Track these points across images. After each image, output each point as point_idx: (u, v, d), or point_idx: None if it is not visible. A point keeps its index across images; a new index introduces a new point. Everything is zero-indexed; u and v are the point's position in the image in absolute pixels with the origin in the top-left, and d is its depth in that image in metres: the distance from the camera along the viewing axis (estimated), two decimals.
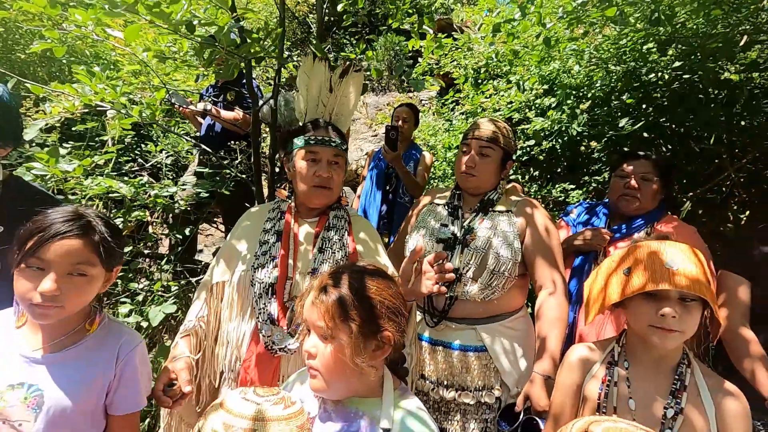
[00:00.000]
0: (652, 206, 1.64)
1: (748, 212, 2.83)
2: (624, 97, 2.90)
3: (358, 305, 0.84)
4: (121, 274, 2.30)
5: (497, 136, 1.51)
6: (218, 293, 1.26)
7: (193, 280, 2.42)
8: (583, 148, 3.01)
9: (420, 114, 5.40)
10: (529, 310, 1.57)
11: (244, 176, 2.47)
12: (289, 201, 1.35)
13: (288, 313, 1.15)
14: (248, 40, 1.19)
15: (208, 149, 2.33)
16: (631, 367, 0.97)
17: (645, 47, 2.70)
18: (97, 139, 3.09)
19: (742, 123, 2.56)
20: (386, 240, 2.76)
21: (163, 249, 3.29)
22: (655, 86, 2.83)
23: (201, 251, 3.23)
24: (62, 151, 2.20)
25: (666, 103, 2.72)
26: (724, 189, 2.74)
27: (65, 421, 0.91)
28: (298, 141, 1.32)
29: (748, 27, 2.21)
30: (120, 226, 2.37)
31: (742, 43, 2.19)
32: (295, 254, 1.23)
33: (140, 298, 2.13)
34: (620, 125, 2.81)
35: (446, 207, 1.54)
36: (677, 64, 2.54)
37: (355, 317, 0.83)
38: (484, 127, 1.52)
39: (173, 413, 1.24)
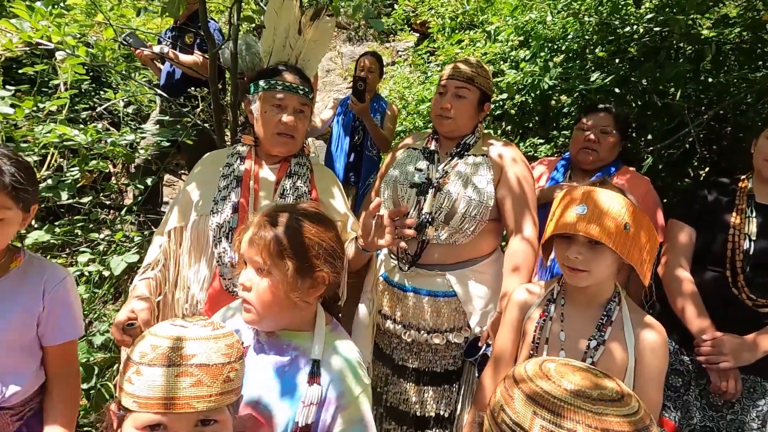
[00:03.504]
0: (610, 158, 1.68)
1: (707, 168, 2.94)
2: (597, 51, 2.88)
3: (296, 244, 0.86)
4: (81, 224, 2.25)
5: (474, 76, 1.47)
6: (176, 238, 1.26)
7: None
8: (553, 102, 3.01)
9: (396, 65, 5.24)
10: None
11: (206, 125, 2.38)
12: (251, 146, 1.32)
13: None
14: None
15: (167, 96, 2.22)
16: (566, 304, 1.03)
17: None
18: (50, 84, 2.90)
19: (709, 80, 2.60)
20: (353, 192, 2.76)
21: (129, 201, 3.21)
22: (629, 40, 2.81)
23: (166, 203, 3.16)
24: (4, 93, 2.07)
25: (637, 56, 2.72)
26: (686, 145, 2.82)
27: None
28: (263, 83, 1.27)
29: None
30: (78, 176, 2.28)
31: None
32: (255, 201, 1.23)
33: (101, 248, 2.10)
34: (591, 79, 2.81)
35: (422, 151, 1.53)
36: (650, 16, 2.51)
37: (291, 255, 0.85)
38: (461, 67, 1.49)
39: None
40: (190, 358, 0.66)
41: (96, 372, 1.93)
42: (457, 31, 3.96)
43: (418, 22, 4.94)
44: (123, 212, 2.31)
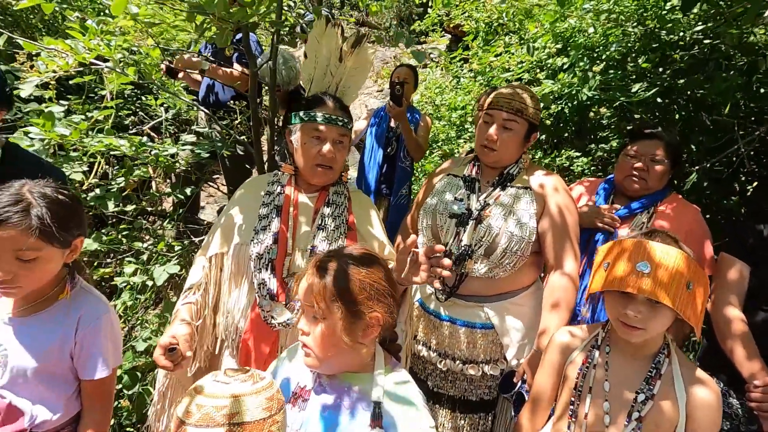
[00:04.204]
0: (659, 187, 1.60)
1: (755, 183, 2.79)
2: (640, 61, 2.77)
3: (348, 288, 0.87)
4: (125, 232, 2.35)
5: (523, 108, 1.43)
6: (217, 264, 1.29)
7: (196, 240, 2.47)
8: (592, 114, 2.92)
9: (427, 68, 5.20)
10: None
11: (243, 137, 2.44)
12: (290, 174, 1.35)
13: (287, 288, 1.19)
14: (241, 5, 1.13)
15: (207, 111, 2.29)
16: (612, 352, 1.01)
17: (669, 3, 2.54)
18: (96, 91, 3.03)
19: (762, 90, 2.46)
20: (386, 203, 2.76)
21: (167, 204, 3.33)
22: (674, 46, 2.68)
23: (203, 208, 3.26)
24: (59, 109, 2.17)
25: (683, 66, 2.59)
26: (734, 159, 2.68)
27: (29, 381, 0.99)
28: (303, 114, 1.29)
29: None
30: (122, 184, 2.38)
31: None
32: (294, 230, 1.25)
33: (145, 257, 2.19)
34: (633, 90, 2.71)
35: (463, 179, 1.51)
36: (699, 27, 2.39)
37: (342, 300, 0.87)
38: (510, 98, 1.44)
39: (170, 375, 1.31)
40: (233, 417, 0.69)
41: (139, 377, 2.02)
42: (491, 37, 3.89)
43: (451, 25, 4.88)
44: (166, 223, 2.40)
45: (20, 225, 0.91)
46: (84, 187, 2.32)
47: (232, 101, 2.42)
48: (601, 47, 3.11)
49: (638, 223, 1.60)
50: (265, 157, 2.22)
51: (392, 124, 2.73)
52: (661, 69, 2.78)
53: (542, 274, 1.55)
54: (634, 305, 0.91)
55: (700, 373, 0.95)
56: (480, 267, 1.38)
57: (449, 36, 5.95)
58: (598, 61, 3.09)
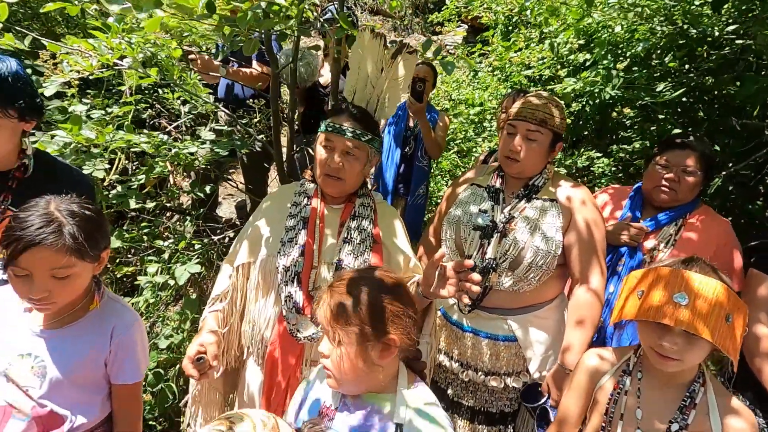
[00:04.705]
0: (689, 199, 1.56)
1: None
2: (666, 59, 2.68)
3: (362, 313, 0.88)
4: (146, 230, 2.38)
5: (547, 118, 1.41)
6: (244, 273, 1.30)
7: (215, 238, 2.49)
8: (615, 113, 2.85)
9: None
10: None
11: (262, 136, 2.44)
12: (316, 185, 1.34)
13: (312, 302, 1.19)
14: (271, 16, 1.12)
15: (226, 111, 2.28)
16: (644, 378, 1.00)
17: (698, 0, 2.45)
18: (114, 84, 3.04)
19: None
20: (403, 203, 2.75)
21: (184, 198, 3.35)
22: (702, 43, 2.59)
23: (220, 204, 3.28)
24: (82, 108, 2.19)
25: (711, 65, 2.51)
26: (761, 163, 2.61)
27: (65, 388, 1.02)
28: (322, 124, 1.29)
29: None
30: (143, 181, 2.40)
31: None
32: (320, 243, 1.25)
33: (166, 255, 2.22)
34: (658, 90, 2.64)
35: (487, 190, 1.49)
36: (731, 28, 2.31)
37: (357, 323, 0.87)
38: (534, 108, 1.41)
39: (202, 380, 1.34)
40: None
41: (162, 375, 2.07)
42: (512, 33, 3.80)
43: (469, 17, 4.78)
44: (187, 223, 2.42)
45: (55, 245, 0.92)
46: (105, 184, 2.35)
47: (251, 100, 2.41)
48: (625, 44, 3.03)
49: (665, 236, 1.58)
50: (284, 157, 2.22)
51: (410, 123, 2.70)
52: (687, 67, 2.70)
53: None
54: (671, 336, 0.90)
55: (735, 402, 0.94)
56: (504, 280, 1.37)
57: (466, 27, 5.83)
58: (621, 58, 3.01)
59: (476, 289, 1.07)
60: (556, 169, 1.55)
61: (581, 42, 3.24)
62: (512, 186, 1.49)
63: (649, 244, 1.59)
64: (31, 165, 1.23)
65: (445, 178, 3.57)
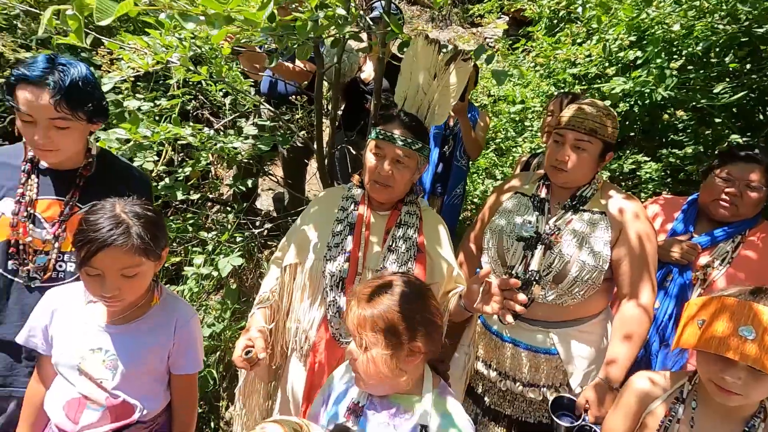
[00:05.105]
0: (750, 215, 1.47)
1: None
2: (727, 59, 2.53)
3: (388, 320, 0.90)
4: (191, 221, 2.47)
5: (597, 127, 1.36)
6: (291, 273, 1.34)
7: (256, 231, 2.56)
8: (666, 116, 2.71)
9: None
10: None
11: (303, 132, 2.47)
12: (363, 191, 1.35)
13: None
14: (325, 22, 1.13)
15: (269, 108, 2.33)
16: (699, 408, 0.97)
17: None
18: (161, 76, 3.14)
19: None
20: (439, 203, 2.74)
21: (224, 189, 3.45)
22: (766, 42, 2.42)
23: (259, 196, 3.36)
24: (136, 103, 2.28)
25: None
26: None
27: (135, 379, 1.09)
28: (373, 131, 1.29)
29: None
30: (188, 173, 2.48)
31: None
32: (365, 249, 1.26)
33: (210, 247, 2.30)
34: (715, 91, 2.49)
35: (532, 199, 1.46)
36: None
37: (383, 331, 0.90)
38: (583, 117, 1.36)
39: (248, 373, 1.39)
40: None
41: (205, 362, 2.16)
42: (556, 25, 3.67)
43: (512, 10, 4.64)
44: (230, 216, 2.50)
45: (125, 246, 0.98)
46: (153, 174, 2.45)
47: (293, 96, 2.44)
48: (681, 41, 2.87)
49: (721, 252, 1.51)
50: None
51: (450, 122, 2.67)
52: (748, 67, 2.53)
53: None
54: (734, 370, 0.86)
55: None
56: (548, 294, 1.35)
57: (507, 19, 5.67)
58: (676, 57, 2.86)
59: (521, 309, 1.06)
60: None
61: (632, 38, 3.09)
62: (558, 196, 1.45)
63: (702, 260, 1.52)
64: (95, 163, 1.30)
65: (481, 177, 3.51)
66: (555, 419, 1.27)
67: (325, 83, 2.52)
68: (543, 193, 1.46)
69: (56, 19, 0.88)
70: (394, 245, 1.27)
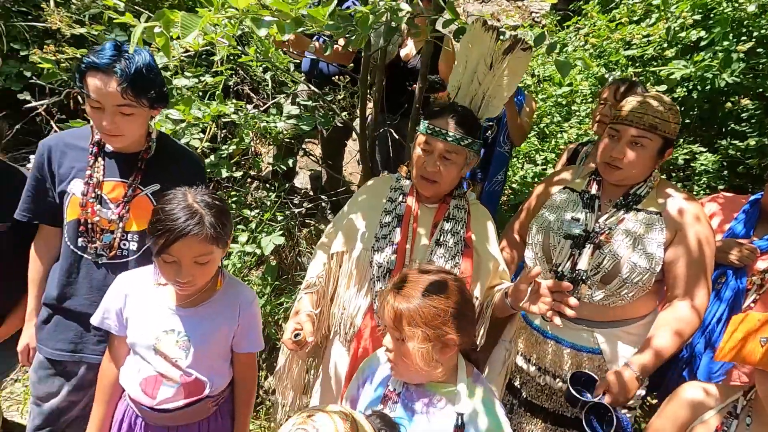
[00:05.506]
0: None
1: None
2: None
3: (422, 313, 0.92)
4: (234, 199, 2.55)
5: (658, 123, 1.29)
6: (337, 260, 1.37)
7: (296, 211, 2.61)
8: (730, 104, 2.53)
9: (527, 31, 4.78)
10: None
11: (345, 113, 2.46)
12: (411, 182, 1.35)
13: None
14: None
15: (309, 85, 2.32)
16: (753, 424, 0.95)
17: None
18: (204, 53, 3.17)
19: None
20: (479, 189, 2.69)
21: (263, 166, 3.52)
22: None
23: (297, 173, 3.41)
24: (184, 81, 2.32)
25: None
26: None
27: (204, 358, 1.17)
28: (421, 125, 1.28)
29: None
30: (230, 150, 2.53)
31: None
32: (413, 241, 1.27)
33: (253, 225, 2.37)
34: None
35: (581, 195, 1.42)
36: None
37: (418, 325, 0.92)
38: (642, 111, 1.30)
39: (291, 354, 1.45)
40: None
41: None
42: (611, 0, 3.43)
43: None
44: (272, 195, 2.55)
45: (200, 235, 1.03)
46: (198, 151, 2.52)
47: (336, 77, 2.42)
48: (751, 21, 2.64)
49: None
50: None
51: None
52: None
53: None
54: None
55: None
56: (595, 294, 1.33)
57: None
58: (744, 38, 2.64)
59: (571, 313, 1.06)
60: None
61: (697, 17, 2.86)
62: (610, 193, 1.40)
63: (762, 264, 1.46)
64: (154, 146, 1.35)
65: (520, 161, 3.42)
66: (573, 391, 1.24)
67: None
68: (593, 190, 1.42)
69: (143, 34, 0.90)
70: (442, 239, 1.27)
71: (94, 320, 1.21)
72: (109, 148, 1.30)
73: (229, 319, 1.19)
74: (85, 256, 1.29)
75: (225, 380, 1.22)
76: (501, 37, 1.28)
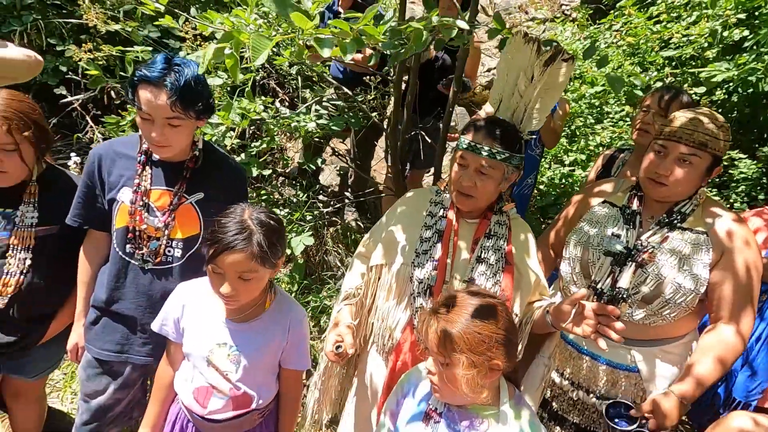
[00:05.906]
0: None
1: None
2: None
3: (466, 339, 0.92)
4: (264, 197, 2.57)
5: (708, 141, 1.25)
6: (376, 273, 1.37)
7: (325, 211, 2.63)
8: None
9: (557, 24, 4.65)
10: None
11: (375, 113, 2.45)
12: (450, 196, 1.35)
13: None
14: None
15: (344, 89, 2.32)
16: None
17: None
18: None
19: None
20: (508, 192, 2.66)
21: (291, 161, 3.54)
22: None
23: (322, 170, 3.42)
24: (218, 81, 2.34)
25: None
26: None
27: (253, 372, 1.19)
28: (460, 139, 1.27)
29: None
30: (260, 149, 2.54)
31: None
32: (453, 257, 1.27)
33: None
34: None
35: (621, 210, 1.40)
36: None
37: (462, 351, 0.92)
38: (692, 128, 1.26)
39: (331, 364, 1.47)
40: None
41: None
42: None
43: None
44: (301, 195, 2.58)
45: (244, 251, 1.05)
46: (227, 149, 2.54)
47: (367, 77, 2.41)
48: None
49: None
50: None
51: None
52: None
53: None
54: None
55: None
56: (635, 312, 1.31)
57: None
58: None
59: (617, 338, 1.05)
60: None
61: (741, 16, 2.75)
62: (652, 209, 1.37)
63: None
64: (200, 156, 1.37)
65: (548, 162, 3.37)
66: (612, 425, 1.25)
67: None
68: (635, 206, 1.39)
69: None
70: (483, 255, 1.26)
71: (154, 326, 1.25)
72: (156, 156, 1.33)
73: (278, 336, 1.21)
74: (132, 261, 1.33)
75: (271, 394, 1.25)
76: (542, 49, 1.26)
